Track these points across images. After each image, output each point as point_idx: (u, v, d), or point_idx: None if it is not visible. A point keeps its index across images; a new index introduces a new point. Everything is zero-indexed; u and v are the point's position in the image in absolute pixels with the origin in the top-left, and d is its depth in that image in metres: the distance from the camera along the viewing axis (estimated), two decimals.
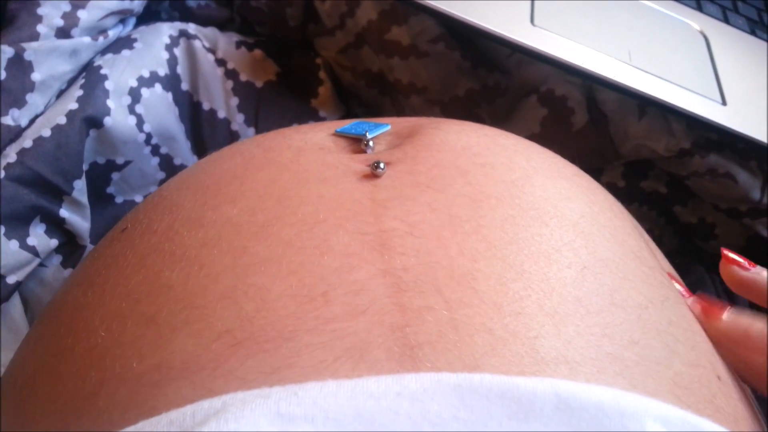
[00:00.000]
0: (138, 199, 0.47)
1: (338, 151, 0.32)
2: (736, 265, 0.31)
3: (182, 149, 0.48)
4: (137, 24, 0.51)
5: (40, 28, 0.41)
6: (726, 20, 0.57)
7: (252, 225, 0.26)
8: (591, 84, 0.49)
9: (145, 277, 0.25)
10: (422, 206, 0.27)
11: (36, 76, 0.41)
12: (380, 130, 0.33)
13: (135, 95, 0.44)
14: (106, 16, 0.45)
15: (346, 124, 0.34)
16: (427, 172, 0.28)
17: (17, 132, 0.40)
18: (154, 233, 0.27)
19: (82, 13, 0.43)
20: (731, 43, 0.54)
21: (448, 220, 0.26)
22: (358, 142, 0.32)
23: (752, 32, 0.57)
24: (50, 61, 0.41)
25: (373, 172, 0.28)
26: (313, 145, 0.31)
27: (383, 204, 0.27)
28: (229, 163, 0.31)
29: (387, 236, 0.25)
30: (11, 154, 0.39)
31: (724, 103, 0.48)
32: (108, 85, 0.43)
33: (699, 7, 0.57)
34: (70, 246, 0.43)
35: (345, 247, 0.24)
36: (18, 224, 0.39)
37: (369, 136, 0.32)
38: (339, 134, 0.33)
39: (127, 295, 0.25)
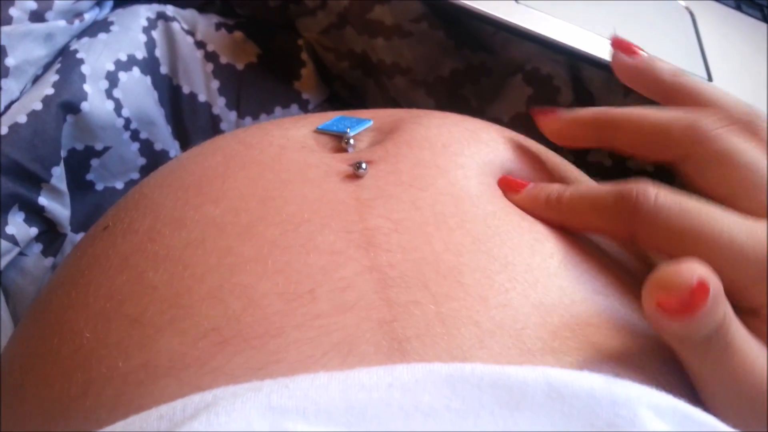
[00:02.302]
0: (119, 185, 0.46)
1: (320, 149, 0.32)
2: (624, 51, 0.31)
3: (163, 134, 0.47)
4: (114, 6, 0.49)
5: (13, 12, 0.40)
6: None
7: (236, 225, 0.26)
8: (576, 62, 0.48)
9: (128, 278, 0.25)
10: (406, 204, 0.27)
11: (10, 61, 0.40)
12: (362, 126, 0.33)
13: (112, 79, 0.43)
14: None
15: (328, 120, 0.34)
16: (408, 171, 0.29)
17: None
18: (135, 233, 0.27)
19: None
20: (717, 20, 0.54)
21: (432, 217, 0.26)
22: (339, 140, 0.32)
23: (738, 8, 0.57)
24: (24, 45, 0.40)
25: (356, 173, 0.28)
26: (294, 143, 0.31)
27: (367, 203, 0.27)
28: (210, 160, 0.30)
29: (372, 234, 0.25)
30: None
31: (710, 79, 0.48)
32: (84, 69, 0.42)
33: None
34: (50, 234, 0.42)
35: (331, 245, 0.25)
36: None
37: (350, 134, 0.32)
38: (320, 131, 0.33)
39: (110, 296, 0.24)
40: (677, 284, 0.20)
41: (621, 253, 0.29)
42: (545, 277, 0.25)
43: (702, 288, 0.20)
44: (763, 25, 0.57)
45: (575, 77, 0.50)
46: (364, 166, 0.28)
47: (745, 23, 0.56)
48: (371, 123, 0.34)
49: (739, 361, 0.22)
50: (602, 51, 0.45)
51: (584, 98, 0.50)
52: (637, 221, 0.25)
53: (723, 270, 0.22)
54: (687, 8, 0.54)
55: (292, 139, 0.32)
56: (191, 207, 0.27)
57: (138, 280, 0.24)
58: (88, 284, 0.26)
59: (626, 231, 0.26)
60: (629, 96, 0.49)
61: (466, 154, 0.30)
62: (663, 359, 0.24)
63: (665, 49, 0.47)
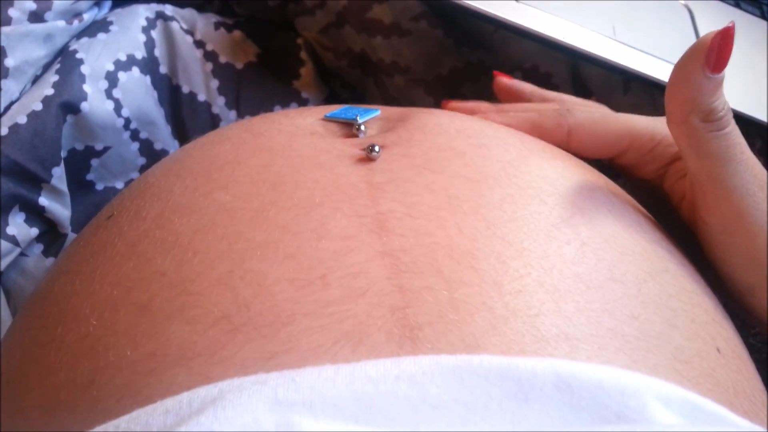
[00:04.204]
0: (119, 185, 0.46)
1: (330, 136, 0.31)
2: (502, 77, 0.44)
3: (162, 134, 0.47)
4: (113, 6, 0.49)
5: (12, 12, 0.40)
6: None
7: (246, 211, 0.25)
8: (575, 60, 0.48)
9: (136, 265, 0.24)
10: (420, 188, 0.26)
11: (9, 62, 0.40)
12: (370, 114, 0.33)
13: (112, 79, 0.43)
14: None
15: (335, 109, 0.34)
16: (422, 155, 0.28)
17: None
18: (143, 220, 0.27)
19: None
20: (716, 16, 0.54)
21: (446, 201, 0.26)
22: (348, 127, 0.32)
23: (737, 5, 0.57)
24: (24, 46, 0.40)
25: (368, 156, 0.28)
26: (303, 130, 0.31)
27: (380, 187, 0.26)
28: (218, 149, 0.30)
29: (385, 218, 0.25)
30: None
31: None
32: (84, 69, 0.42)
33: None
34: (51, 234, 0.42)
35: (342, 230, 0.24)
36: None
37: (360, 120, 0.32)
38: (328, 119, 0.33)
39: (117, 283, 0.24)
40: (714, 33, 0.28)
41: (643, 241, 0.29)
42: (561, 263, 0.25)
43: (732, 28, 0.28)
44: (761, 22, 0.57)
45: (574, 75, 0.50)
46: (377, 148, 0.28)
47: (743, 20, 0.56)
48: (379, 112, 0.34)
49: (743, 145, 0.30)
50: (602, 49, 0.45)
51: (583, 96, 0.50)
52: (570, 121, 0.35)
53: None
54: (685, 6, 0.54)
55: (300, 126, 0.31)
56: (201, 194, 0.27)
57: (146, 267, 0.24)
58: (93, 272, 0.25)
59: (563, 131, 0.35)
60: (628, 93, 0.49)
61: (481, 137, 0.30)
62: (678, 344, 0.24)
63: (663, 46, 0.48)
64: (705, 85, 0.28)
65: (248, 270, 0.23)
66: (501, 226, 0.25)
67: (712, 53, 0.28)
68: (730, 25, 0.28)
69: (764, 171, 0.30)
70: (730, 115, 0.30)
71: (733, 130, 0.30)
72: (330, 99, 0.55)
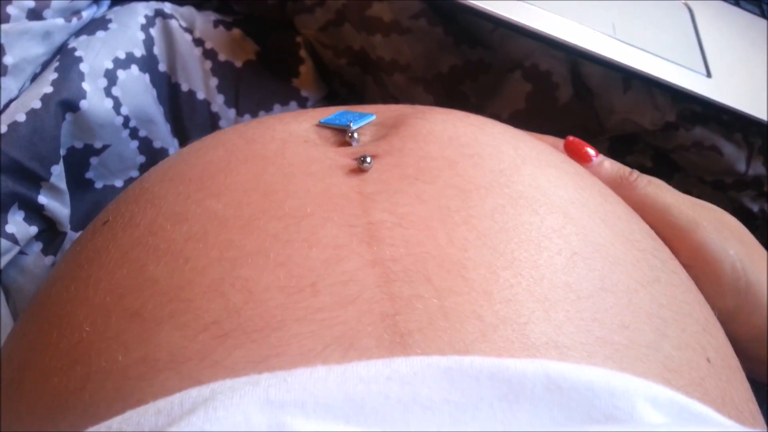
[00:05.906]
0: (118, 183, 0.46)
1: (323, 143, 0.31)
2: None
3: (161, 132, 0.47)
4: (112, 4, 0.49)
5: (11, 10, 0.40)
6: None
7: (238, 219, 0.26)
8: (575, 58, 0.48)
9: (129, 272, 0.25)
10: (411, 198, 0.26)
11: (8, 60, 0.40)
12: (365, 120, 0.33)
13: (111, 77, 0.43)
14: None
15: (330, 114, 0.34)
16: (414, 165, 0.28)
17: None
18: (136, 227, 0.27)
19: None
20: (716, 15, 0.54)
21: (437, 211, 0.26)
22: (342, 133, 0.32)
23: (736, 3, 0.57)
24: (22, 43, 0.40)
25: (360, 167, 0.28)
26: (297, 137, 0.31)
27: (371, 197, 0.26)
28: (212, 155, 0.30)
29: (376, 228, 0.25)
30: None
31: (708, 75, 0.47)
32: (83, 67, 0.42)
33: None
34: (50, 233, 0.42)
35: (333, 239, 0.24)
36: None
37: (353, 127, 0.32)
38: (323, 125, 0.33)
39: (111, 289, 0.24)
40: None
41: (635, 250, 0.29)
42: (551, 273, 0.25)
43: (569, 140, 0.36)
44: (761, 20, 0.57)
45: (574, 73, 0.50)
46: (368, 159, 0.28)
47: (743, 19, 0.56)
48: (374, 117, 0.34)
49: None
50: (602, 47, 0.45)
51: (583, 94, 0.50)
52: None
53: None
54: (686, 4, 0.54)
55: (294, 133, 0.32)
56: (193, 201, 0.27)
57: (138, 274, 0.24)
58: (87, 278, 0.25)
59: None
60: (628, 92, 0.49)
61: (474, 145, 0.30)
62: (668, 354, 0.24)
63: (664, 45, 0.47)
64: (599, 167, 0.36)
65: (239, 277, 0.23)
66: (492, 236, 0.25)
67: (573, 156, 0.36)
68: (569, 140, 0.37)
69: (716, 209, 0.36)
70: (638, 171, 0.36)
71: (656, 180, 0.36)
72: (329, 97, 0.55)
